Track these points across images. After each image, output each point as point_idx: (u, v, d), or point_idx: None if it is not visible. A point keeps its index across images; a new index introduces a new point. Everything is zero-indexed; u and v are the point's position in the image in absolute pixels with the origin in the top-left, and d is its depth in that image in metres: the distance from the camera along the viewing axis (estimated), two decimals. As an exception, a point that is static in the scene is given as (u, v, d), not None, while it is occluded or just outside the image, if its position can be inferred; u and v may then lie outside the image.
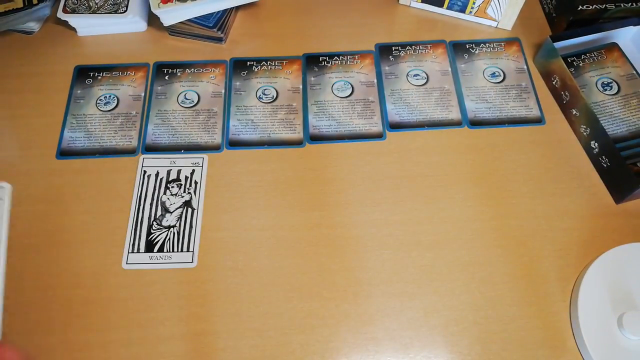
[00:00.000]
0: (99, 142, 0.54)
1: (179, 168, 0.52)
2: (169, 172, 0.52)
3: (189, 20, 0.59)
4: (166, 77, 0.58)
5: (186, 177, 0.51)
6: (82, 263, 0.47)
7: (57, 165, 0.53)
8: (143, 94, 0.57)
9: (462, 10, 0.61)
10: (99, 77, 0.58)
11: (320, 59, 0.59)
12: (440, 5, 0.62)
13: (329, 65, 0.59)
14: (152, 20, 0.62)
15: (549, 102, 0.56)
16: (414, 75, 0.58)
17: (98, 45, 0.62)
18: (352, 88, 0.57)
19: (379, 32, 0.62)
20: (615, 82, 0.56)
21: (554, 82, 0.56)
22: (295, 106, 0.56)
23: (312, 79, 0.58)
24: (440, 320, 0.44)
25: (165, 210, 0.49)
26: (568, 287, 0.46)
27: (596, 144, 0.51)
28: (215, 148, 0.53)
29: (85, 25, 0.61)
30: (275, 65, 0.59)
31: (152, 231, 0.48)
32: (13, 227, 0.49)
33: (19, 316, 0.45)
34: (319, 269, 0.47)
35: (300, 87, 0.57)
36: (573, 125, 0.54)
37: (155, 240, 0.48)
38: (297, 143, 0.54)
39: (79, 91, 0.58)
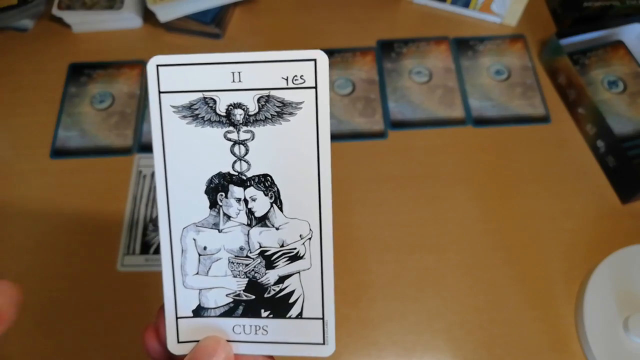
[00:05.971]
0: (94, 141, 0.53)
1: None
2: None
3: (186, 16, 0.57)
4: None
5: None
6: (76, 265, 0.46)
7: (50, 164, 0.52)
8: (138, 92, 0.56)
9: (466, 6, 0.60)
10: (94, 75, 0.57)
11: (320, 56, 0.58)
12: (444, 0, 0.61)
13: (329, 62, 0.58)
14: (148, 16, 0.61)
15: (555, 100, 0.55)
16: (417, 73, 0.56)
17: (93, 42, 0.60)
18: (353, 85, 0.56)
19: (380, 28, 0.60)
20: (622, 80, 0.55)
21: (559, 80, 0.55)
22: (295, 104, 0.55)
23: (312, 76, 0.57)
24: (444, 324, 0.43)
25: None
26: (573, 289, 0.45)
27: (602, 143, 0.50)
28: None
29: (80, 21, 0.60)
30: (273, 62, 0.58)
31: (148, 233, 0.47)
32: (6, 228, 0.48)
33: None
34: (319, 271, 0.46)
35: (300, 84, 0.56)
36: (579, 124, 0.53)
37: (151, 242, 0.47)
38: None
39: (73, 89, 0.56)
